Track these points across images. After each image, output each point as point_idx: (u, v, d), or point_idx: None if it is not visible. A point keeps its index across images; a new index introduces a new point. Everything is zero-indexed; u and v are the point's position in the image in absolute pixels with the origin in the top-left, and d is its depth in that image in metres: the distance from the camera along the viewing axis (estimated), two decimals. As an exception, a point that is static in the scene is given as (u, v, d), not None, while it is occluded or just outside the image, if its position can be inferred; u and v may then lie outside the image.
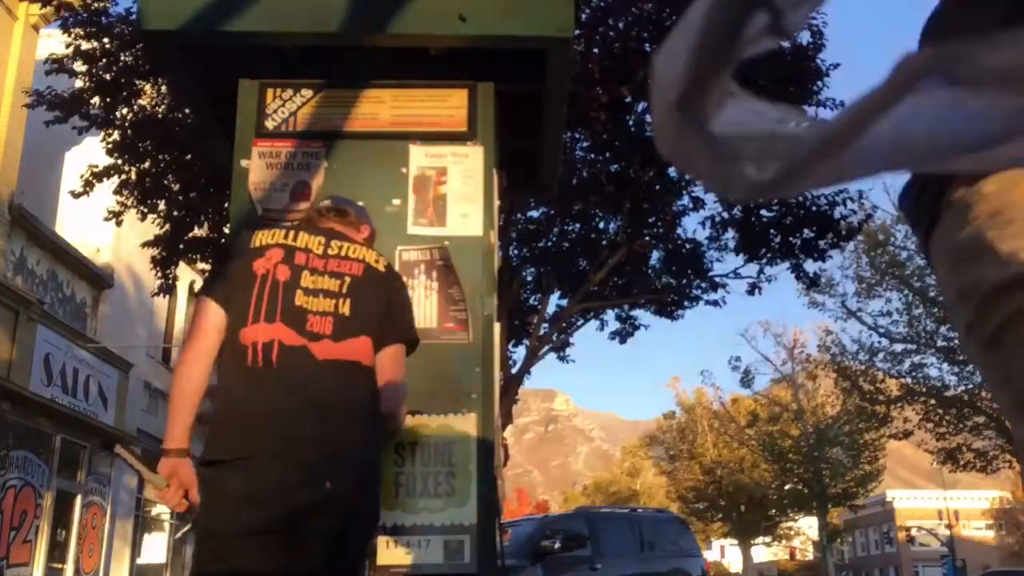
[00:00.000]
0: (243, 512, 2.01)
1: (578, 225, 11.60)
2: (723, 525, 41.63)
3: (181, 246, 10.07)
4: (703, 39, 0.53)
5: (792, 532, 43.22)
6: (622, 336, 12.91)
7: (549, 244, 11.76)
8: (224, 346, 2.17)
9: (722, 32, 0.53)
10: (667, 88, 0.56)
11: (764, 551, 49.71)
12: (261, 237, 2.31)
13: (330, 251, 2.31)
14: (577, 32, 6.80)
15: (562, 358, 13.22)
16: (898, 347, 24.05)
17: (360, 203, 2.55)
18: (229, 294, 2.22)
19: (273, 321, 2.15)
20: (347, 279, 2.26)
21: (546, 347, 12.16)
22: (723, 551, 58.40)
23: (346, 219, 2.46)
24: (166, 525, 16.95)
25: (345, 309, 2.21)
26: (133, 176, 9.60)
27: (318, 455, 2.05)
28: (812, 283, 12.34)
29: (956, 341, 19.85)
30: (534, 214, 11.36)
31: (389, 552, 2.62)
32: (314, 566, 2.04)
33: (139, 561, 15.39)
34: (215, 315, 2.19)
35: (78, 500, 12.70)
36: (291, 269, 2.24)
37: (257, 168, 2.89)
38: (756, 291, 11.80)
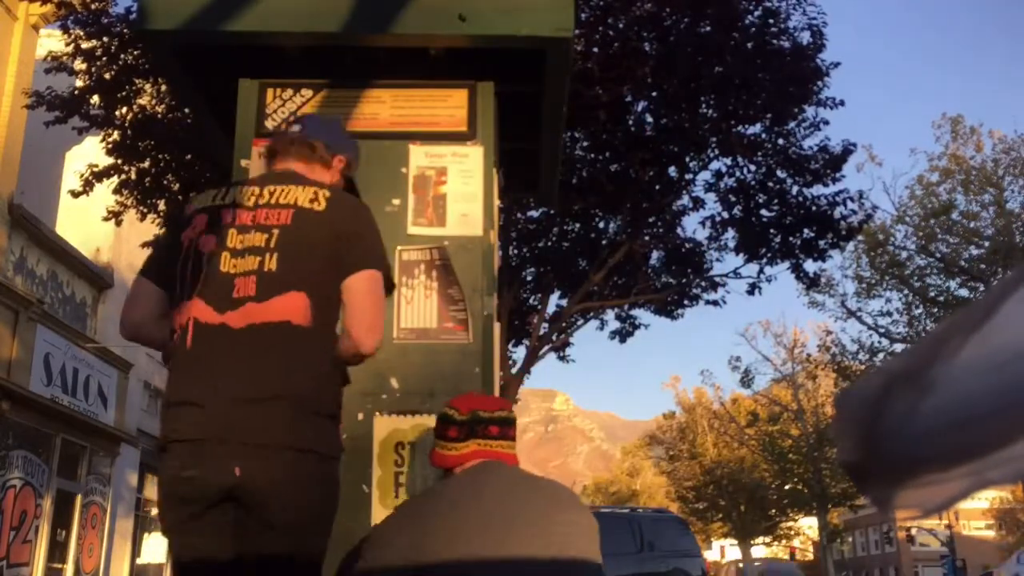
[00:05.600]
0: (168, 500, 1.92)
1: (578, 225, 11.59)
2: (723, 525, 41.67)
3: (181, 246, 10.05)
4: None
5: (792, 532, 43.24)
6: (622, 336, 12.91)
7: (549, 244, 11.75)
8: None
9: None
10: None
11: (764, 551, 49.70)
12: (195, 202, 2.15)
13: (260, 200, 2.06)
14: (577, 32, 6.79)
15: (562, 358, 13.21)
16: (898, 347, 24.03)
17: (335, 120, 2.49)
18: (164, 271, 2.09)
19: (190, 298, 1.98)
20: (275, 231, 2.00)
21: (546, 347, 12.16)
22: (723, 551, 58.38)
23: (312, 155, 2.21)
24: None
25: (272, 264, 1.97)
26: (133, 176, 9.59)
27: (226, 439, 1.85)
28: (812, 283, 12.35)
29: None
30: (534, 214, 11.35)
31: (389, 552, 2.62)
32: (219, 559, 1.87)
33: (139, 561, 15.38)
34: (142, 286, 2.15)
35: (78, 500, 12.70)
36: (216, 235, 2.03)
37: (257, 168, 2.89)
38: (756, 291, 11.81)
